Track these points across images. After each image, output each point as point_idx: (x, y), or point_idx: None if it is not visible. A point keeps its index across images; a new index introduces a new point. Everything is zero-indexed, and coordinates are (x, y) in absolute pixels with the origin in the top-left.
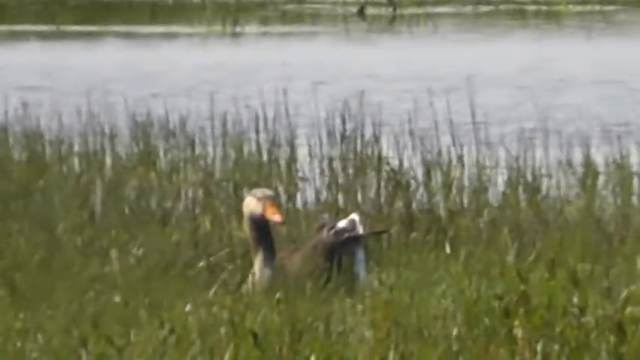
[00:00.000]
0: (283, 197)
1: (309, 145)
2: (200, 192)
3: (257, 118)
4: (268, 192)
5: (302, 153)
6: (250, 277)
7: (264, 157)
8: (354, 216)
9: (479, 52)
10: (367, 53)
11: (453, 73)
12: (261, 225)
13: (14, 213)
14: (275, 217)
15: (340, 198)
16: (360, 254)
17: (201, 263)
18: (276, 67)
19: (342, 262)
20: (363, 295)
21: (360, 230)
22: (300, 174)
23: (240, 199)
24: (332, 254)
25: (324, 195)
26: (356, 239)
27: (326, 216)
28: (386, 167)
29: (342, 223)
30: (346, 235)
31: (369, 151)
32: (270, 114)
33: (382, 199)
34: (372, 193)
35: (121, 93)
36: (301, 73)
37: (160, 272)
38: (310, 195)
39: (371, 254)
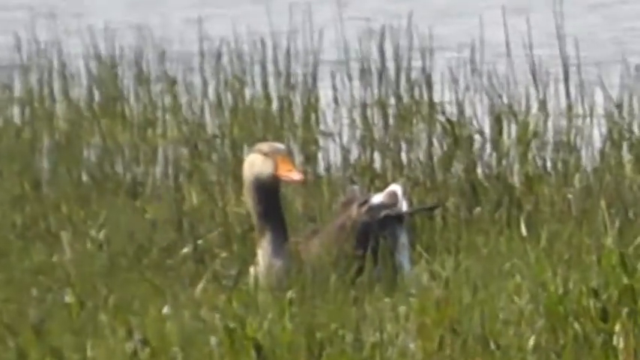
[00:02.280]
0: (299, 159)
1: (335, 87)
2: (185, 152)
3: (263, 47)
4: (279, 145)
5: (325, 97)
6: (252, 268)
7: (274, 105)
8: (396, 186)
9: None
10: None
11: None
12: (269, 194)
13: None
14: (292, 175)
15: (377, 160)
16: (404, 238)
17: (186, 249)
18: None
19: (378, 248)
20: (407, 293)
21: (404, 206)
22: (322, 127)
23: (239, 161)
24: (365, 238)
25: (354, 155)
26: (398, 218)
27: (356, 187)
28: (440, 116)
29: (378, 197)
30: (384, 212)
31: (417, 94)
32: (283, 42)
33: (435, 161)
34: (420, 153)
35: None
36: None
37: (128, 262)
38: (336, 156)
39: (418, 237)
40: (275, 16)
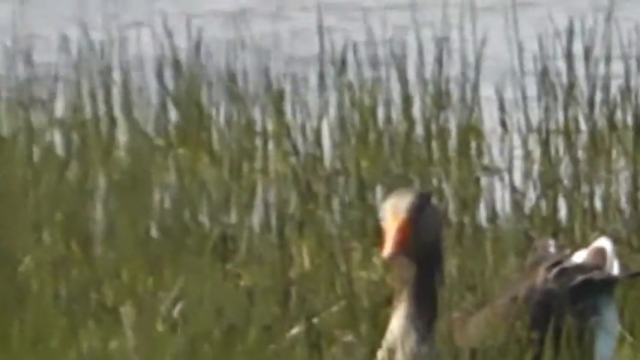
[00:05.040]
0: (453, 205)
1: (502, 106)
2: (294, 195)
3: (404, 51)
4: (401, 200)
5: (490, 120)
6: (380, 353)
7: (417, 129)
8: (605, 241)
9: None
10: None
11: None
12: (419, 255)
13: None
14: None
15: (561, 207)
16: (611, 315)
17: (295, 329)
18: None
19: (570, 331)
20: None
21: (615, 268)
22: (485, 161)
23: (368, 208)
24: (545, 313)
25: (530, 201)
26: (603, 286)
27: (552, 242)
28: None
29: (579, 256)
30: (581, 277)
31: (618, 117)
32: (430, 45)
33: None
34: (622, 198)
35: None
36: None
37: (214, 349)
38: (504, 201)
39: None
40: (420, 9)
